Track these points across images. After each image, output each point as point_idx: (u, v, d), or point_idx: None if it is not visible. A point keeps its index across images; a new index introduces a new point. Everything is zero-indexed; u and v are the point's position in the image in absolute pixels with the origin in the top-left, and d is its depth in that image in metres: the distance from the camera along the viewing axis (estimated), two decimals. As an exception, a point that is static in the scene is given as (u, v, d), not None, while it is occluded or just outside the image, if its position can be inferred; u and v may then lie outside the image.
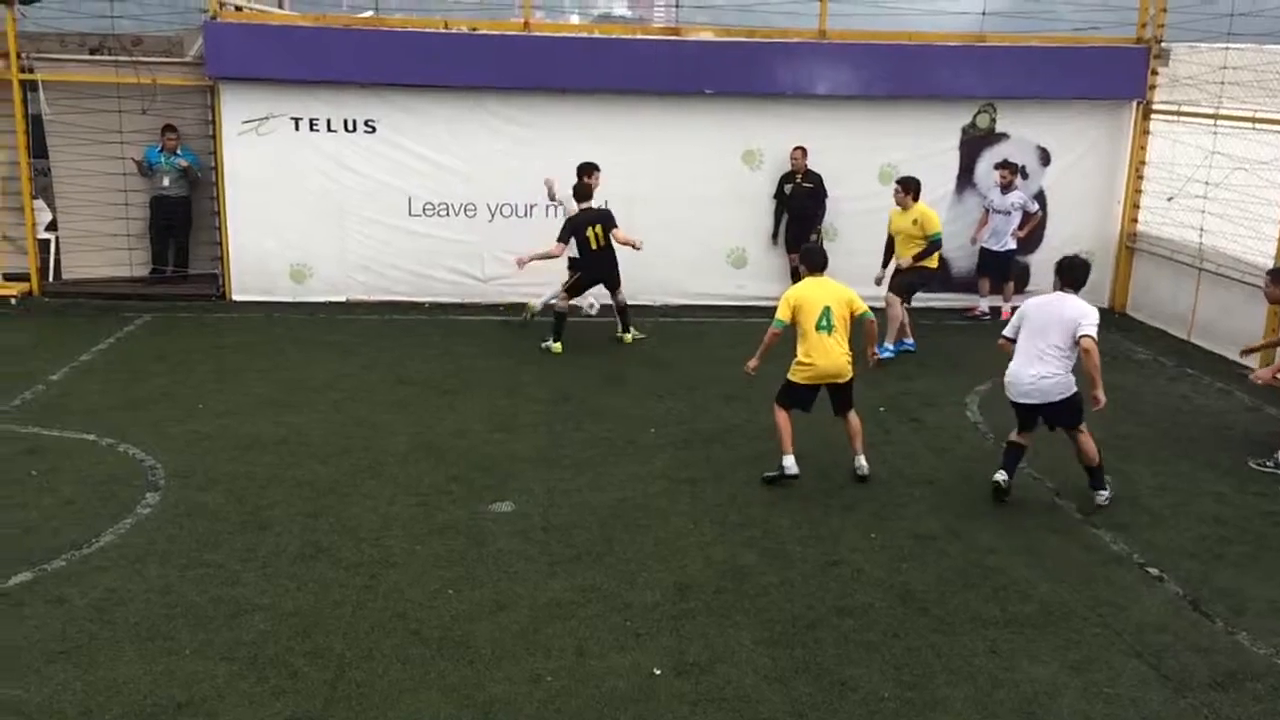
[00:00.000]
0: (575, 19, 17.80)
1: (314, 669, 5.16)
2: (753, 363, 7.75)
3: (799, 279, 7.94)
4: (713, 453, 8.09)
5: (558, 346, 10.61)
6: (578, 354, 10.63)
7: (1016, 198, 12.14)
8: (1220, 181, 10.81)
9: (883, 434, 8.54)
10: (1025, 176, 12.78)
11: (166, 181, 12.24)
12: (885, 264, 10.78)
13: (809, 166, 12.22)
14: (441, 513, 6.94)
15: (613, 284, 10.90)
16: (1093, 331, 6.92)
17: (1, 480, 7.23)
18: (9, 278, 12.25)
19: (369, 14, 13.61)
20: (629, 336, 11.09)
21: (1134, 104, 12.66)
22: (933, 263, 10.51)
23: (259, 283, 12.40)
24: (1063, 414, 7.14)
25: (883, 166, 12.56)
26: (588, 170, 10.97)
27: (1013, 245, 12.29)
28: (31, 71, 11.96)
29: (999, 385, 9.83)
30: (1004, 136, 12.75)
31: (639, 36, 12.78)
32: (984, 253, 12.43)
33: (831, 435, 8.02)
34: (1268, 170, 10.27)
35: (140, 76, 12.01)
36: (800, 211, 12.31)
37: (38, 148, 12.21)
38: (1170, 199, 11.84)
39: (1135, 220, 12.80)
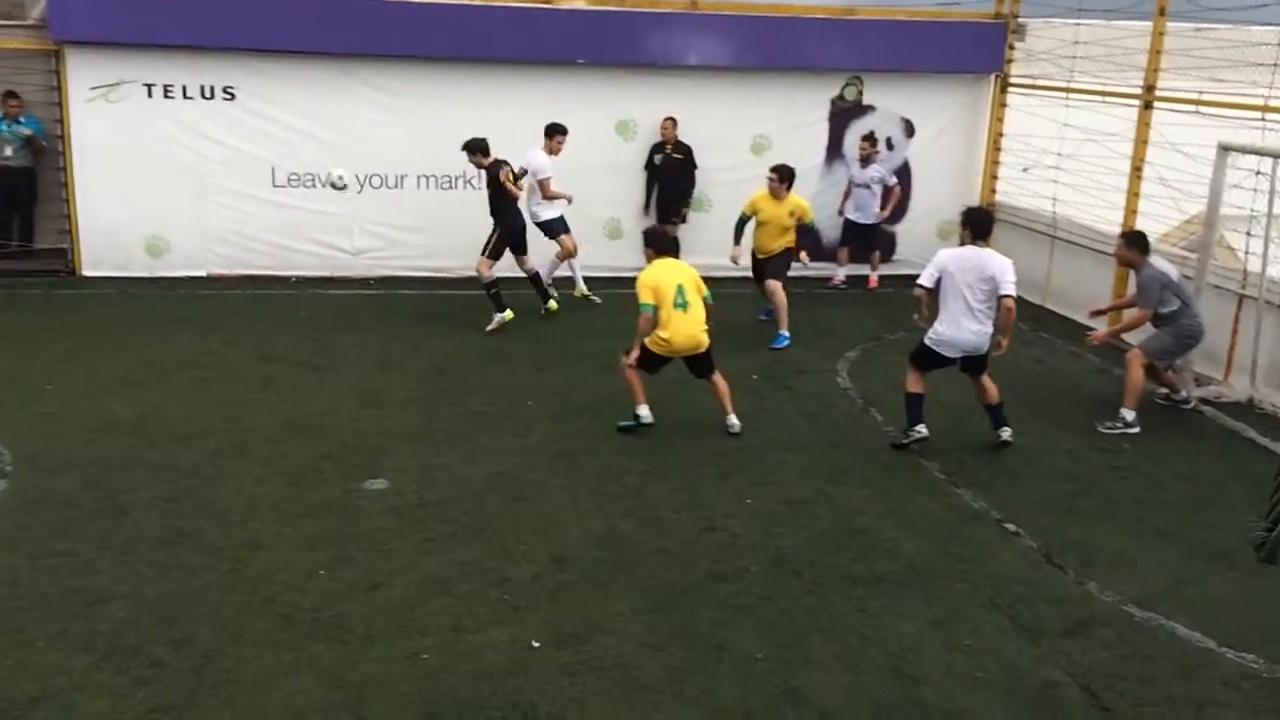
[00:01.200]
0: (444, -15, 17.45)
1: (177, 658, 4.99)
2: (634, 354, 7.91)
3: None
4: (590, 424, 8.10)
5: (509, 315, 10.49)
6: (453, 328, 10.48)
7: (875, 171, 12.39)
8: (1072, 153, 11.28)
9: (757, 402, 8.68)
10: (891, 148, 13.11)
11: (8, 151, 11.53)
12: (737, 241, 10.66)
13: (679, 137, 12.27)
14: (312, 493, 6.77)
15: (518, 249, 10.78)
16: (1014, 291, 7.50)
17: None
18: None
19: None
20: (553, 305, 11.01)
21: (992, 77, 13.10)
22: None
23: (112, 257, 11.82)
24: (982, 361, 7.68)
25: (755, 138, 12.71)
26: (547, 132, 10.94)
27: (873, 220, 12.52)
28: None
29: (868, 353, 10.17)
30: (871, 108, 13.03)
31: (510, 4, 12.57)
32: (848, 224, 12.68)
33: (707, 405, 8.12)
34: (1116, 142, 10.76)
35: (-25, 38, 11.29)
36: (670, 182, 12.37)
37: None
38: (1026, 170, 12.32)
39: (994, 191, 13.27)
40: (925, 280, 7.62)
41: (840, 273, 12.75)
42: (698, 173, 12.45)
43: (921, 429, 7.68)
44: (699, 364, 8.04)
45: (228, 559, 5.90)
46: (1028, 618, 5.59)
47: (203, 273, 12.01)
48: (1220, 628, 5.51)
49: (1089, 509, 6.92)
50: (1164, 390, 8.84)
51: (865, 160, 12.41)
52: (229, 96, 11.71)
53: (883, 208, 12.52)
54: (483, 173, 10.55)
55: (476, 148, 10.44)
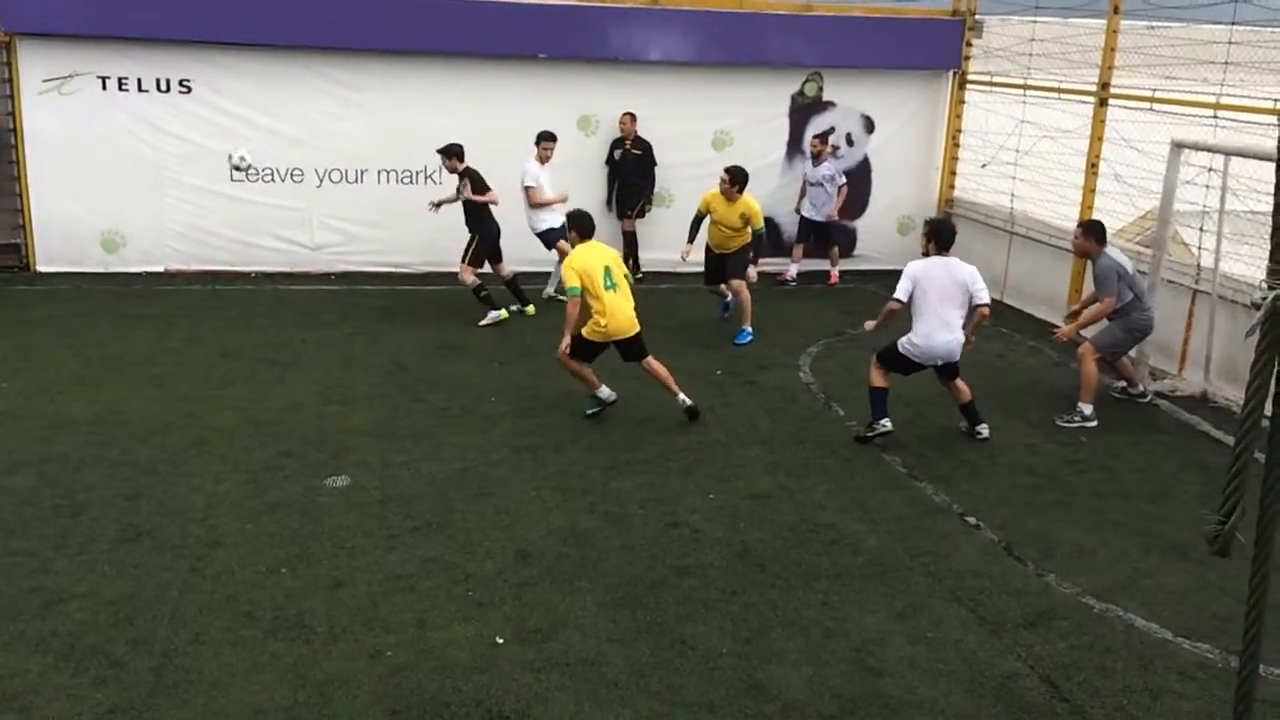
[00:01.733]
0: (404, -22, 17.30)
1: (137, 657, 4.93)
2: (565, 340, 7.92)
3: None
4: (553, 419, 8.09)
5: (515, 311, 10.60)
6: (414, 323, 10.43)
7: (827, 168, 12.38)
8: (1029, 149, 11.42)
9: (720, 397, 8.71)
10: (851, 144, 13.20)
11: (-43, 144, 11.32)
12: (692, 239, 10.64)
13: (638, 133, 12.26)
14: (273, 490, 6.71)
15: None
16: (988, 298, 7.70)
17: None
18: None
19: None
20: (530, 309, 10.91)
21: (950, 74, 13.22)
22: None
23: (66, 252, 11.64)
24: (955, 366, 7.80)
25: (716, 133, 12.75)
26: (536, 139, 10.92)
27: (823, 217, 12.50)
28: None
29: (830, 348, 10.24)
30: (831, 104, 13.11)
31: (471, -2, 12.50)
32: (803, 221, 12.68)
33: (669, 400, 8.13)
34: (1072, 139, 10.90)
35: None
36: (629, 178, 12.36)
37: None
38: (984, 166, 12.45)
39: (953, 186, 13.41)
40: (900, 294, 7.67)
41: (792, 269, 12.78)
42: (658, 168, 12.45)
43: (886, 423, 7.75)
44: (633, 348, 8.06)
45: (187, 557, 5.84)
46: (989, 610, 5.66)
47: (160, 268, 11.85)
48: (1176, 618, 5.62)
49: (1048, 502, 7.02)
50: (1121, 384, 8.98)
51: (817, 158, 12.42)
52: (185, 89, 11.56)
53: (836, 206, 12.53)
54: (455, 177, 10.49)
55: (453, 152, 10.39)
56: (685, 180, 12.44)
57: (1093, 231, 8.50)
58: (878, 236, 13.41)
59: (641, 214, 12.39)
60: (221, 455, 7.18)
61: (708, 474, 7.25)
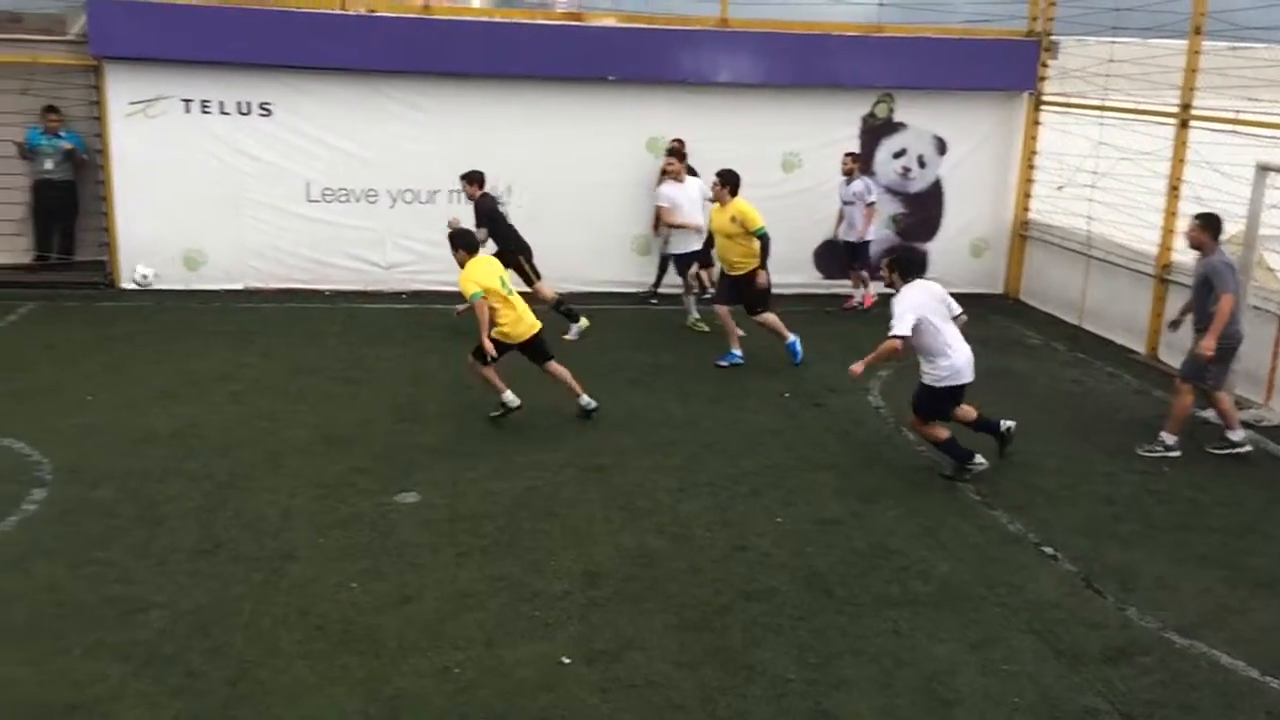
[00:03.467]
0: (476, 3, 17.57)
1: (213, 667, 5.01)
2: (487, 344, 8.07)
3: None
4: (620, 440, 8.09)
5: (585, 322, 10.70)
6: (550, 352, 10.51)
7: (859, 185, 12.13)
8: (1107, 171, 11.20)
9: (788, 420, 8.65)
10: (923, 165, 13.08)
11: (49, 164, 11.70)
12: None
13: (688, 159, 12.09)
14: (345, 505, 6.80)
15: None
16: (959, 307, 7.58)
17: None
18: (-123, 265, 11.60)
19: (263, -8, 13.19)
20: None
21: (1025, 95, 13.03)
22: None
23: (150, 269, 11.96)
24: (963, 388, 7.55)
25: (785, 155, 12.72)
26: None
27: (869, 236, 12.22)
28: (-101, 47, 11.32)
29: (901, 370, 10.09)
30: (902, 126, 13.01)
31: (541, 21, 12.66)
32: (847, 245, 12.35)
33: (741, 424, 8.10)
34: (1151, 160, 10.68)
35: (19, 55, 11.47)
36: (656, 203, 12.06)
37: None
38: (1060, 188, 12.24)
39: (1027, 209, 13.19)
40: (903, 329, 7.19)
41: (857, 295, 12.48)
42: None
43: (980, 460, 7.48)
44: (537, 350, 8.36)
45: (262, 569, 5.94)
46: (1066, 643, 5.51)
47: (239, 285, 12.13)
48: (1264, 656, 5.42)
49: (1128, 533, 6.83)
50: (1209, 412, 8.55)
51: (849, 176, 12.17)
52: (265, 112, 11.86)
53: (865, 225, 12.18)
54: (471, 204, 10.59)
55: (473, 179, 10.53)
56: (755, 202, 12.32)
57: (1210, 225, 8.04)
58: (951, 259, 13.24)
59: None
60: (295, 470, 7.30)
61: (775, 497, 7.19)
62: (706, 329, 10.87)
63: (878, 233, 12.43)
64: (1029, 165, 13.10)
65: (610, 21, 12.49)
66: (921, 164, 13.06)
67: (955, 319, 7.47)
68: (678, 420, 8.55)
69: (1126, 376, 10.08)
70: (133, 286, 10.69)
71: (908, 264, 7.65)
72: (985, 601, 5.92)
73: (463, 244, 8.36)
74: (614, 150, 12.35)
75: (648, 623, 5.57)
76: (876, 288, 12.61)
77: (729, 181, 9.80)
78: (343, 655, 5.16)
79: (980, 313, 12.47)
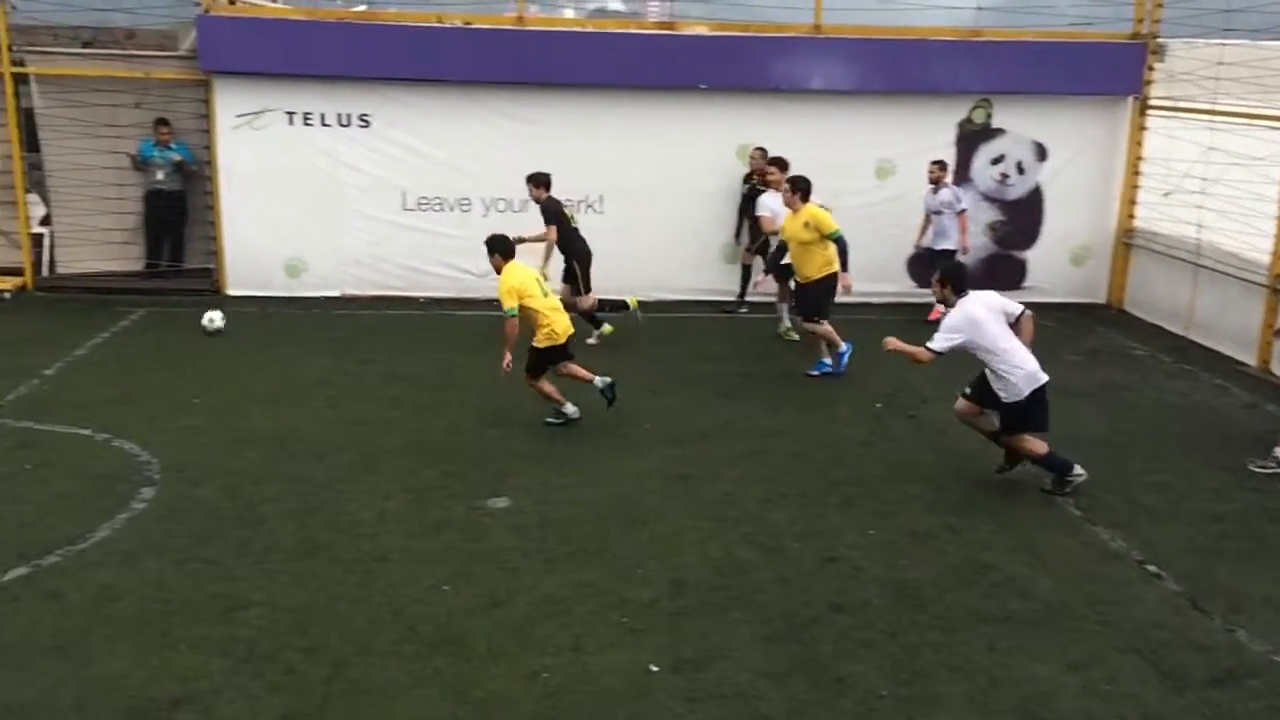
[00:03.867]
0: (570, 13, 17.74)
1: (310, 665, 5.13)
2: (507, 359, 8.16)
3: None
4: (707, 449, 8.07)
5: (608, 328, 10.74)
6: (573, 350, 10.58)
7: (946, 194, 11.87)
8: (1217, 178, 10.80)
9: (880, 430, 8.53)
10: (1022, 172, 12.79)
11: (160, 175, 12.17)
12: (768, 271, 10.43)
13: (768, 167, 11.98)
14: (437, 509, 6.91)
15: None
16: (1019, 305, 7.36)
17: (-6, 475, 7.20)
18: (2, 272, 12.17)
19: (362, 8, 13.56)
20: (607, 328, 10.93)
21: (1130, 99, 12.64)
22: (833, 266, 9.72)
23: (254, 277, 12.35)
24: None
25: (879, 162, 12.56)
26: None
27: (952, 245, 11.90)
28: (23, 65, 11.89)
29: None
30: (1000, 132, 12.73)
31: (633, 31, 12.73)
32: (930, 254, 12.03)
33: (831, 435, 8.01)
34: (1263, 166, 10.26)
35: (133, 70, 11.95)
36: (755, 212, 11.68)
37: (30, 142, 12.13)
38: (1167, 195, 11.84)
39: (1132, 216, 12.79)
40: (941, 346, 7.13)
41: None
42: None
43: (1079, 471, 7.26)
44: (567, 351, 8.46)
45: (357, 571, 6.06)
46: (1171, 665, 5.32)
47: (337, 293, 12.43)
48: (1384, 684, 5.15)
49: (1238, 552, 6.56)
50: None
51: (936, 185, 11.92)
52: (364, 124, 12.14)
53: (962, 236, 11.91)
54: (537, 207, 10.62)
55: (539, 181, 10.55)
56: (848, 210, 12.22)
57: None
58: (1050, 268, 12.92)
59: (764, 250, 11.94)
60: (389, 474, 7.45)
61: (867, 509, 7.08)
62: (797, 338, 10.78)
63: (958, 242, 12.11)
64: (1134, 171, 12.70)
65: (702, 30, 12.49)
66: (1020, 170, 12.77)
67: (1018, 320, 7.22)
68: (767, 430, 8.49)
69: (1236, 389, 9.70)
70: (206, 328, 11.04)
71: (960, 277, 7.41)
72: (1086, 620, 5.74)
73: (499, 249, 8.37)
74: (704, 158, 12.34)
75: (735, 633, 5.53)
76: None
77: (800, 187, 9.70)
78: (434, 657, 5.23)
79: (1082, 323, 12.20)
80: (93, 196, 12.07)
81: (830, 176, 12.20)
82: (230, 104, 11.98)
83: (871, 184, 12.43)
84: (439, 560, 6.21)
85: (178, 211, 12.41)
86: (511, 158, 12.23)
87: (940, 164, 12.00)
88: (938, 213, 11.98)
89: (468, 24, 12.22)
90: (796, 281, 10.02)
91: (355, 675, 5.07)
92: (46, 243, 12.47)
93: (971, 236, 12.66)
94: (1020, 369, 7.09)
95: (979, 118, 12.71)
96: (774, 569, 6.22)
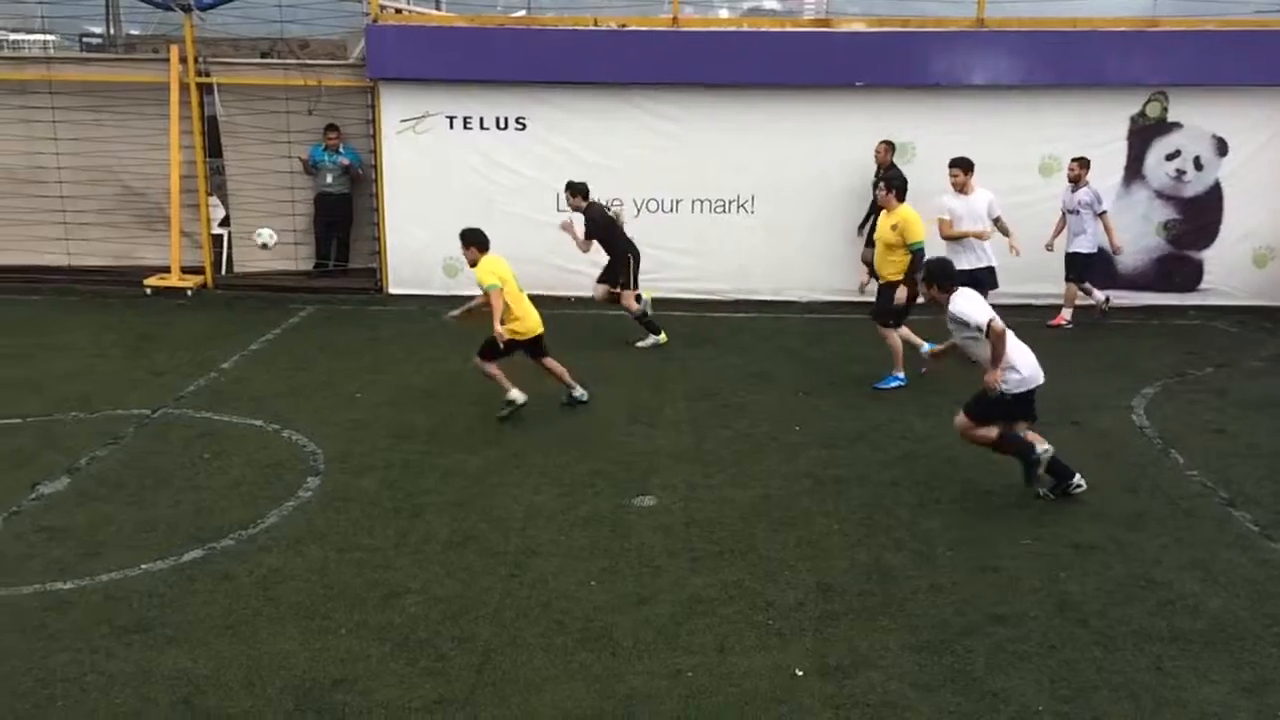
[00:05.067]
0: (724, 13, 17.74)
1: (461, 653, 5.28)
2: (499, 331, 8.29)
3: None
4: (858, 452, 7.92)
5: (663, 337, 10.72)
6: (723, 350, 10.58)
7: (1085, 194, 11.20)
8: None
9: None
10: (1200, 168, 12.10)
11: (330, 179, 12.76)
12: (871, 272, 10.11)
13: (893, 162, 11.58)
14: (585, 505, 7.00)
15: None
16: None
17: (177, 462, 7.67)
18: (185, 271, 12.98)
19: (521, 13, 13.88)
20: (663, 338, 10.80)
21: (1323, 90, 11.80)
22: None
23: (414, 276, 12.79)
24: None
25: (1044, 158, 12.09)
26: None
27: (1090, 247, 11.30)
28: (208, 75, 12.65)
29: (1169, 389, 9.40)
30: (1176, 126, 12.07)
31: (788, 29, 12.62)
32: (1068, 256, 11.43)
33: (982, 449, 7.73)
34: None
35: (306, 78, 12.56)
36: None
37: (213, 147, 12.91)
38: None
39: (1322, 214, 11.93)
40: (988, 314, 6.83)
41: (1097, 294, 11.62)
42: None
43: (1079, 480, 7.02)
44: (539, 347, 8.68)
45: (507, 563, 6.20)
46: (1361, 695, 4.94)
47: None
48: None
49: None
50: None
51: (1075, 183, 11.26)
52: (521, 126, 12.43)
53: (1113, 237, 11.29)
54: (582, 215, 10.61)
55: (577, 190, 10.51)
56: (1009, 209, 11.83)
57: None
58: (1230, 269, 12.18)
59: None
60: (539, 469, 7.59)
61: (1025, 518, 6.82)
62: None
63: (1095, 243, 11.42)
64: (1325, 166, 11.84)
65: (859, 26, 12.28)
66: (1198, 166, 12.08)
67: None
68: (919, 434, 8.28)
69: None
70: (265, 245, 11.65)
71: (945, 274, 7.08)
72: (1261, 641, 5.38)
73: (474, 241, 8.61)
74: (861, 158, 12.11)
75: (883, 640, 5.41)
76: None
77: (894, 186, 9.35)
78: (580, 651, 5.31)
79: (1265, 326, 11.44)
80: (268, 199, 12.76)
81: (992, 174, 11.82)
82: (395, 109, 12.44)
83: (1036, 181, 11.97)
84: (586, 556, 6.29)
85: (345, 213, 12.99)
86: (664, 158, 12.33)
87: (1082, 161, 11.35)
88: (1074, 212, 11.38)
89: (623, 26, 12.36)
90: (878, 281, 9.67)
91: (504, 665, 5.19)
92: (225, 243, 13.24)
93: (1142, 236, 12.09)
94: (1021, 370, 6.90)
95: (1154, 111, 12.07)
96: (925, 576, 6.06)
